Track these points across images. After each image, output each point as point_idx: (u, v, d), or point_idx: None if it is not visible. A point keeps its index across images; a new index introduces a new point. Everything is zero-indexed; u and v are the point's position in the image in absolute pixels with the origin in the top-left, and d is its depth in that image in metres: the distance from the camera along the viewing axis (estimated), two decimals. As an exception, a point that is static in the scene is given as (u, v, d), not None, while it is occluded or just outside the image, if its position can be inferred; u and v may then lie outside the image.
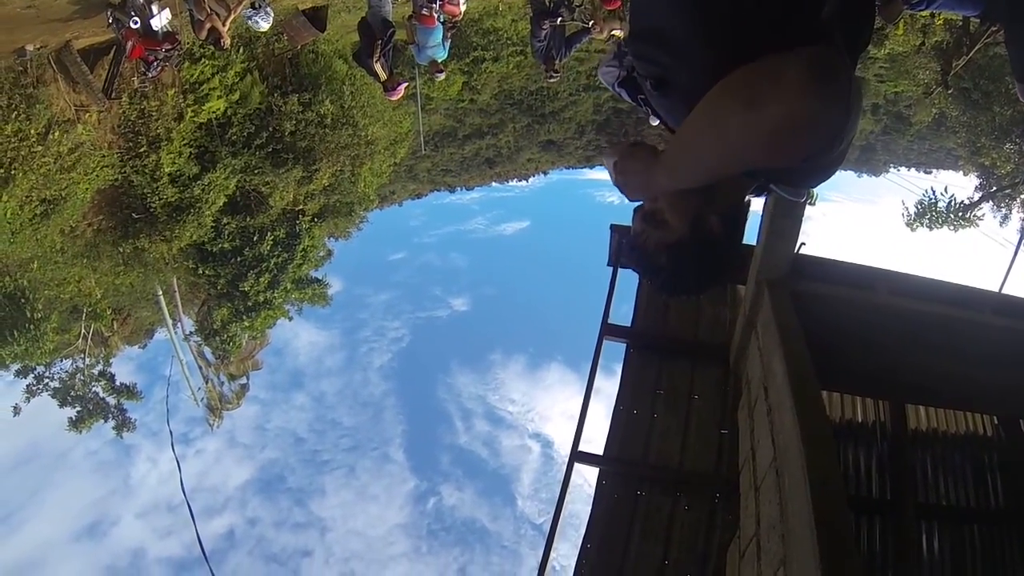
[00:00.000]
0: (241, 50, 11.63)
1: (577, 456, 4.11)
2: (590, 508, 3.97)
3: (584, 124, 31.72)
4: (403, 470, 47.94)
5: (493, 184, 39.90)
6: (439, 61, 7.61)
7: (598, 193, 58.63)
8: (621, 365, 4.61)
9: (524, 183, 41.66)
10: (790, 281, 3.86)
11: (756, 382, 3.77)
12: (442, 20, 7.13)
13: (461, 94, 24.28)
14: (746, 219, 1.52)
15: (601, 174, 43.21)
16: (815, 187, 1.35)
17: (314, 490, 45.62)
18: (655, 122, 2.29)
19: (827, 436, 2.84)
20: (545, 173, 39.08)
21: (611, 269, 5.15)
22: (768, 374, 3.50)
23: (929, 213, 18.29)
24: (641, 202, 1.48)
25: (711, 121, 1.03)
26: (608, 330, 4.74)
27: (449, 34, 7.32)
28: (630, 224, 1.54)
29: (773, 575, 2.73)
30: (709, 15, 1.14)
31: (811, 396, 3.01)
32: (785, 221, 3.75)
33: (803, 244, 3.92)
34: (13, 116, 8.39)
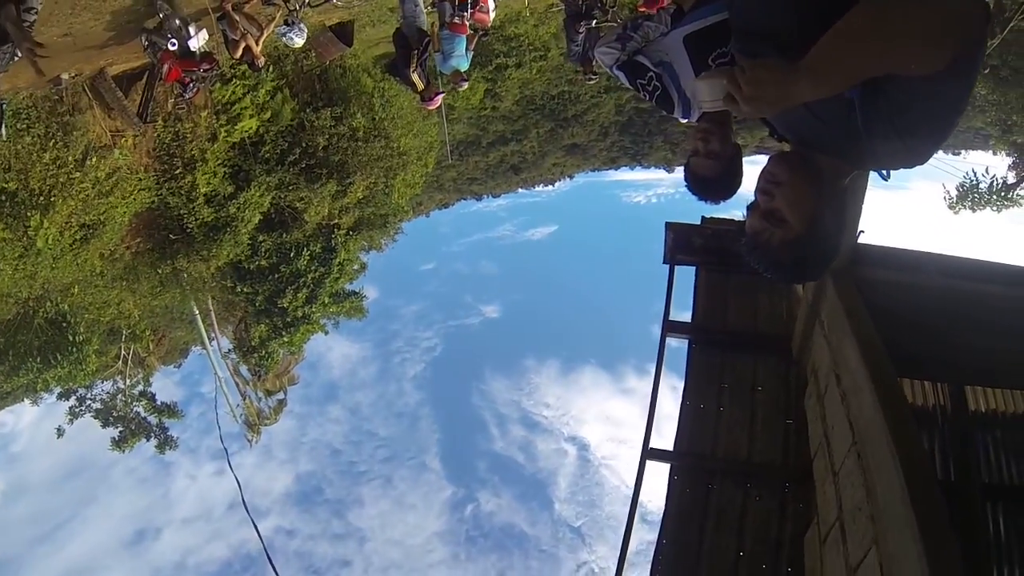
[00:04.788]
0: (271, 68, 11.79)
1: (649, 453, 4.15)
2: (664, 504, 4.00)
3: (607, 126, 31.70)
4: (439, 478, 48.25)
5: (519, 190, 40.21)
6: (462, 71, 7.46)
7: (624, 194, 58.66)
8: (684, 362, 4.65)
9: (550, 188, 41.78)
10: (852, 269, 3.89)
11: (824, 370, 3.80)
12: (473, 28, 7.20)
13: (483, 102, 24.39)
14: (847, 207, 1.61)
15: (626, 175, 43.02)
16: (931, 144, 1.41)
17: (352, 501, 46.22)
18: (684, 119, 2.32)
19: (909, 416, 2.87)
20: (571, 177, 39.21)
21: (667, 267, 5.20)
22: (839, 361, 3.53)
23: (971, 195, 17.98)
24: (756, 201, 1.56)
25: (879, 13, 1.15)
26: (670, 327, 4.79)
27: (472, 44, 7.31)
28: (744, 221, 1.62)
29: (864, 555, 2.76)
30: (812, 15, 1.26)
31: (888, 379, 3.04)
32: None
33: (862, 231, 3.95)
34: (51, 144, 8.61)
